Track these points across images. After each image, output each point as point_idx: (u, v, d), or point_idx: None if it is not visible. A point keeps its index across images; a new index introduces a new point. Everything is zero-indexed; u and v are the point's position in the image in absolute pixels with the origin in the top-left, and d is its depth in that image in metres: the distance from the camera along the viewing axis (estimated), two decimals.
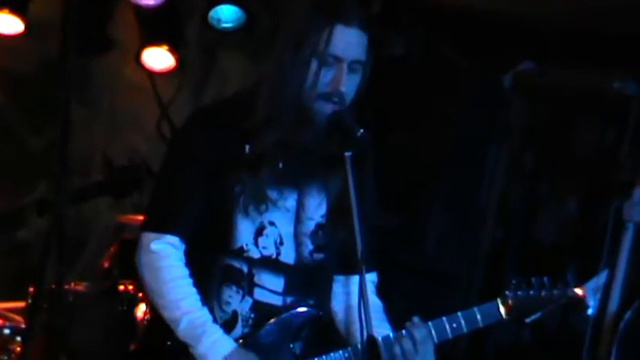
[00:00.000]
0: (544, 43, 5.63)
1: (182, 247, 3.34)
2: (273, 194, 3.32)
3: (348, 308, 3.51)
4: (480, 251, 5.92)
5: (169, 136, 5.90)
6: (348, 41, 3.24)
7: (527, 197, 6.01)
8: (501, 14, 5.60)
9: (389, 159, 3.80)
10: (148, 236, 3.35)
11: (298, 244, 3.38)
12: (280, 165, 3.33)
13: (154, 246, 3.31)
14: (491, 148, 5.87)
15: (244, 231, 3.33)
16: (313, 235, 3.39)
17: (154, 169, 4.97)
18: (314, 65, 3.24)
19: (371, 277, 3.49)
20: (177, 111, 5.89)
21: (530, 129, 5.95)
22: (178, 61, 6.03)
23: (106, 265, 5.08)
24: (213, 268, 3.37)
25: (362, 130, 3.21)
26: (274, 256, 3.36)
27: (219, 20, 5.87)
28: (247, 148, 3.31)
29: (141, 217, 5.16)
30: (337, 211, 3.36)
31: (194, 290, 3.31)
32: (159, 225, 3.35)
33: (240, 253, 3.35)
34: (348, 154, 3.20)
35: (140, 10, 5.89)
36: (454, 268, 5.85)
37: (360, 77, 3.30)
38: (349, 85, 3.27)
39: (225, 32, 5.91)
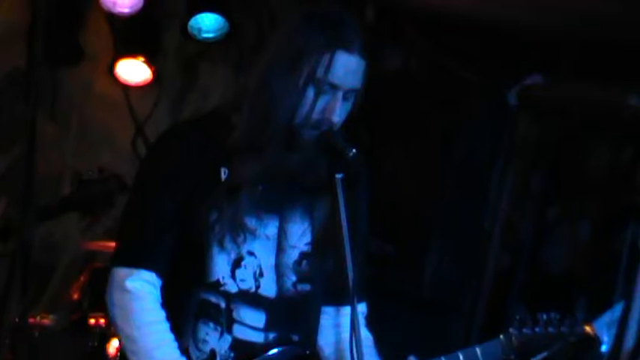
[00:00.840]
0: (553, 55, 5.62)
1: (159, 282, 3.17)
2: (251, 222, 3.15)
3: (337, 343, 3.36)
4: (484, 279, 5.85)
5: None
6: (348, 69, 3.11)
7: (535, 221, 5.98)
8: (507, 23, 5.58)
9: (384, 181, 3.59)
10: (120, 272, 3.16)
11: (280, 276, 3.21)
12: (260, 188, 3.15)
13: (129, 284, 3.13)
14: (496, 168, 5.84)
15: (220, 262, 3.16)
16: (297, 265, 3.23)
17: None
18: (310, 93, 3.09)
19: (360, 309, 3.30)
20: (154, 128, 5.83)
21: (538, 148, 5.92)
22: (155, 73, 5.99)
23: (75, 296, 5.00)
24: (188, 303, 3.19)
25: (354, 151, 3.09)
26: (253, 290, 3.18)
27: (200, 30, 5.81)
28: (224, 171, 3.14)
29: (113, 244, 4.99)
30: (324, 239, 3.22)
31: (171, 337, 3.14)
32: (132, 259, 3.16)
33: (216, 286, 3.17)
34: (339, 176, 3.11)
35: (114, 18, 5.81)
36: (456, 298, 5.81)
37: (351, 104, 3.18)
38: (341, 112, 3.16)
39: (207, 43, 5.87)
